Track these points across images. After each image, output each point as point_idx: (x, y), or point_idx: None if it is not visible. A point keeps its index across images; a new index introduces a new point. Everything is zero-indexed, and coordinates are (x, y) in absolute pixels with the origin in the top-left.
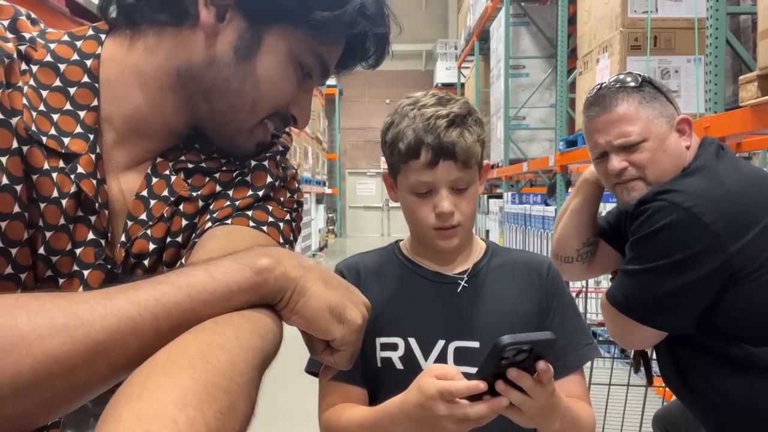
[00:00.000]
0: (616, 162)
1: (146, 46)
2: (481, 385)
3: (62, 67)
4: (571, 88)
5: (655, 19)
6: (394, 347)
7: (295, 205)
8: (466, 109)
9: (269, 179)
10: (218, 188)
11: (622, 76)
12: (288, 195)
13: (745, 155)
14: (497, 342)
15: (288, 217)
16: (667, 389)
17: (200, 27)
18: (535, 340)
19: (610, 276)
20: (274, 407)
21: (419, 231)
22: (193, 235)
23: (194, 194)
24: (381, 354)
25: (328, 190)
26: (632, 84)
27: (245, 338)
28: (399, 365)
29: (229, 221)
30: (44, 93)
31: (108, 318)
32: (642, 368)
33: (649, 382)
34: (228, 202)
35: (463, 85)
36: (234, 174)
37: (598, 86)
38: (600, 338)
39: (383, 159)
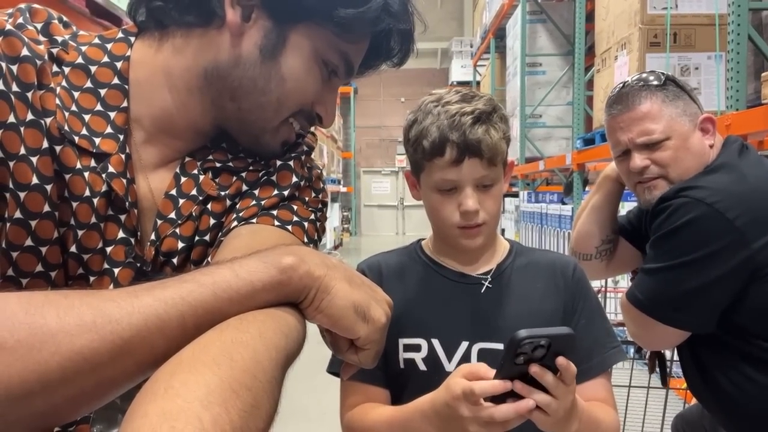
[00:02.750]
0: (639, 160)
1: (174, 47)
2: (506, 384)
3: (93, 69)
4: (588, 86)
5: (675, 15)
6: (417, 348)
7: (319, 205)
8: (491, 106)
9: (294, 179)
10: (245, 187)
11: (645, 75)
12: (313, 195)
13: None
14: (513, 336)
15: (312, 216)
16: (688, 392)
17: (226, 27)
18: (552, 335)
19: (630, 276)
20: (289, 404)
21: (443, 229)
22: (220, 233)
23: (222, 193)
24: (404, 355)
25: (343, 189)
26: (655, 82)
27: (269, 336)
28: (422, 366)
29: (254, 220)
30: (76, 94)
31: (135, 316)
32: (657, 369)
33: (664, 383)
34: (254, 202)
35: (478, 83)
36: (260, 173)
37: (621, 84)
38: (619, 339)
39: (398, 158)
